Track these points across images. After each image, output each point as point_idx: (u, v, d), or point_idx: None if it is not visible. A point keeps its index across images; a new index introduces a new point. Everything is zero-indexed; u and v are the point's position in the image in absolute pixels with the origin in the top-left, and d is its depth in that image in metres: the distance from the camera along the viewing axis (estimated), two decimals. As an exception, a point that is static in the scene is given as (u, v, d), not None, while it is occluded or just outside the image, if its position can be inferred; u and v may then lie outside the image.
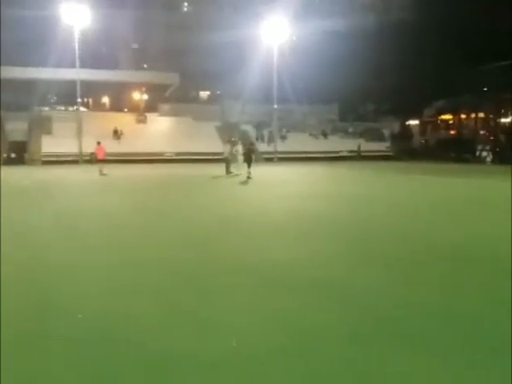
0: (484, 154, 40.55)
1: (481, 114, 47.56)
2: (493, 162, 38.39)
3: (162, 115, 48.24)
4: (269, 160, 41.78)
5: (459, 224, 9.38)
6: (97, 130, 38.45)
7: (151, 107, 49.50)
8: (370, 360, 3.30)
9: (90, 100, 52.64)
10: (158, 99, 49.73)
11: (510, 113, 44.60)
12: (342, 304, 4.47)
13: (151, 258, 6.36)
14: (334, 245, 7.28)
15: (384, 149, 49.05)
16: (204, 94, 58.61)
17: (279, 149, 44.18)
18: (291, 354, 3.40)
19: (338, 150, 46.66)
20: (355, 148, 47.07)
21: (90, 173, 25.51)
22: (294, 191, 16.25)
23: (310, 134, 49.94)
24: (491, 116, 46.64)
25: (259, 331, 3.79)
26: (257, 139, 45.55)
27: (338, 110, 55.75)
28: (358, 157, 45.05)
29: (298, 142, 46.09)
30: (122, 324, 3.94)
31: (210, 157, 37.37)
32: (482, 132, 46.46)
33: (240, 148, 25.11)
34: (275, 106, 45.10)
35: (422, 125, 53.72)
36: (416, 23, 45.08)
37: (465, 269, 5.82)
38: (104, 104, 53.44)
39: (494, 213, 10.97)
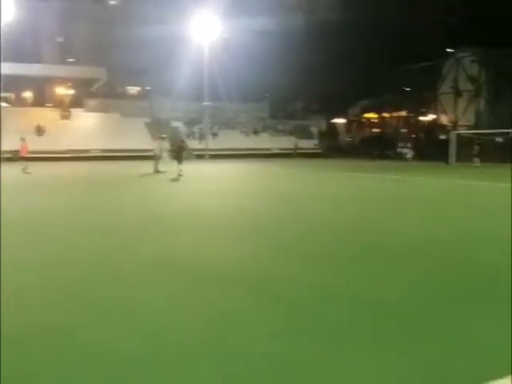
0: (405, 151, 42.63)
1: (402, 113, 49.99)
2: (413, 158, 40.45)
3: (88, 111, 46.77)
4: (200, 157, 41.71)
5: (374, 215, 9.94)
6: (18, 127, 36.68)
7: (77, 103, 47.86)
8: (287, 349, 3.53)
9: (13, 95, 50.13)
10: (84, 94, 48.17)
11: (429, 112, 47.17)
12: (272, 300, 4.69)
13: (74, 257, 6.30)
14: (265, 242, 7.50)
15: (313, 146, 50.33)
16: (133, 89, 57.39)
17: (211, 146, 44.19)
18: (207, 345, 3.55)
19: (268, 147, 47.37)
20: (286, 145, 47.98)
21: (12, 171, 24.40)
22: (226, 189, 16.41)
23: (242, 132, 50.31)
24: (412, 115, 49.16)
25: (181, 322, 3.92)
26: (188, 136, 45.30)
27: (269, 108, 56.54)
28: (295, 154, 46.00)
29: (230, 140, 46.33)
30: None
31: (139, 154, 36.75)
32: (403, 130, 48.85)
33: (169, 145, 24.84)
34: (206, 103, 45.05)
35: (348, 123, 55.67)
36: (342, 24, 46.56)
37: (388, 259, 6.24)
38: (27, 99, 51.05)
39: (400, 205, 11.70)
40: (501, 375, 3.06)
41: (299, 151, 46.94)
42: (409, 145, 43.36)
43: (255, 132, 50.95)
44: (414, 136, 45.77)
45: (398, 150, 43.67)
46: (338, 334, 3.79)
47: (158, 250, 6.76)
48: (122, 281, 5.27)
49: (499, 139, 33.34)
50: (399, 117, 50.64)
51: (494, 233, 8.24)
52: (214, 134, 47.44)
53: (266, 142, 48.69)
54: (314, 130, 54.06)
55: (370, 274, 5.57)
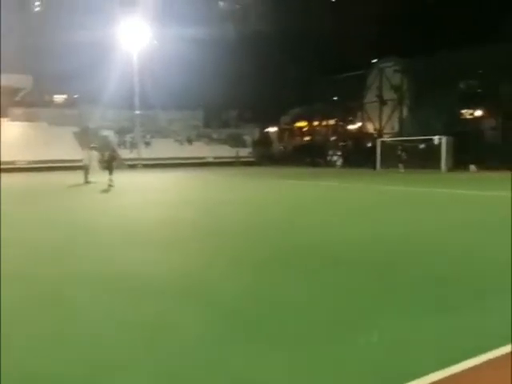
0: (335, 158, 43.98)
1: (331, 122, 51.55)
2: (343, 165, 41.80)
3: (13, 120, 44.88)
4: (132, 167, 41.03)
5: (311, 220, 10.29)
6: None
7: (1, 112, 45.80)
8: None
9: None
10: (9, 103, 46.17)
11: (356, 120, 48.92)
12: (208, 308, 4.79)
13: None
14: (197, 251, 7.58)
15: (247, 154, 50.84)
16: (60, 97, 55.60)
17: (143, 155, 43.60)
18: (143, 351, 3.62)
19: (203, 156, 47.38)
20: (220, 154, 48.19)
21: None
22: (157, 199, 16.30)
23: (175, 140, 50.02)
24: (340, 123, 50.80)
25: (118, 333, 3.95)
26: (119, 145, 44.48)
27: (203, 117, 56.61)
28: (237, 163, 46.28)
29: (163, 149, 45.92)
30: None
31: (68, 164, 35.68)
32: (332, 138, 50.37)
33: (99, 155, 24.36)
34: (137, 112, 44.44)
35: (280, 132, 56.70)
36: (274, 34, 47.53)
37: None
38: None
39: (331, 210, 12.17)
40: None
41: (231, 160, 47.32)
42: (338, 152, 44.73)
43: (189, 141, 50.82)
44: (342, 144, 47.30)
45: (329, 157, 44.95)
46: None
47: (82, 263, 6.68)
48: (50, 298, 5.20)
49: (422, 146, 35.15)
50: (328, 125, 52.20)
51: (408, 232, 8.76)
52: (147, 143, 46.86)
53: (201, 150, 48.70)
54: (248, 138, 54.66)
55: (281, 276, 5.78)
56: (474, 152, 31.79)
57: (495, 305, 4.73)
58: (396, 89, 41.56)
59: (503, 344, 3.68)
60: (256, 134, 55.95)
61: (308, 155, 45.86)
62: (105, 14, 46.86)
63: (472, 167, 31.03)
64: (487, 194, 16.49)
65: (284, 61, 47.18)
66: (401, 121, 42.41)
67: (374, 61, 45.12)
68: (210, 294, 5.22)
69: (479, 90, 38.46)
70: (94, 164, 23.39)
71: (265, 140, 55.38)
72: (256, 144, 53.97)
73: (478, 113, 38.78)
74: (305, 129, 55.10)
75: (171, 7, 51.43)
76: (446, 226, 9.79)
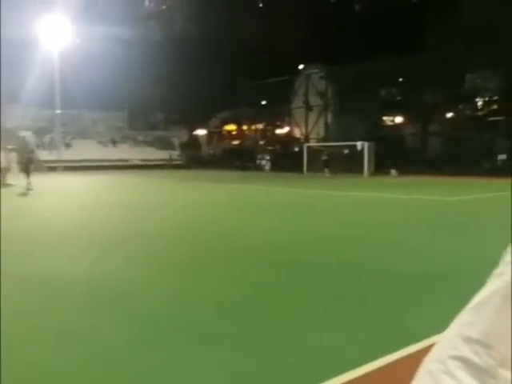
0: (263, 162, 44.38)
1: (260, 126, 52.03)
2: (271, 169, 42.25)
3: None
4: (53, 169, 39.19)
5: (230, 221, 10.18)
6: None
7: None
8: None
9: None
10: None
11: (284, 125, 49.69)
12: (120, 310, 4.50)
13: None
14: (114, 253, 7.23)
15: (175, 157, 50.12)
16: (-27, 95, 52.19)
17: (64, 157, 41.79)
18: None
19: (128, 158, 46.14)
20: (147, 157, 47.15)
21: None
22: (77, 202, 15.58)
23: (99, 142, 48.41)
24: (269, 127, 51.40)
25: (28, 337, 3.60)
26: (38, 147, 42.31)
27: (128, 118, 55.19)
28: (169, 166, 45.33)
29: (85, 150, 44.25)
30: None
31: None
32: (261, 142, 50.84)
33: (18, 156, 23.04)
34: (58, 111, 42.55)
35: (209, 135, 56.47)
36: (203, 36, 47.27)
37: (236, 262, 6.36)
38: None
39: (253, 214, 12.15)
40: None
41: (158, 162, 46.44)
42: (267, 156, 45.18)
43: (113, 142, 49.37)
44: (271, 148, 47.84)
45: (258, 161, 45.29)
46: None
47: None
48: None
49: (346, 151, 36.23)
50: (257, 129, 52.63)
51: (333, 235, 8.89)
52: (67, 145, 44.99)
53: (126, 152, 47.41)
54: (176, 141, 53.93)
55: (202, 276, 5.63)
56: (395, 157, 33.20)
57: (418, 302, 4.81)
58: (321, 95, 42.62)
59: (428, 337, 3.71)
60: (184, 136, 55.35)
61: (237, 159, 45.96)
62: (25, 10, 44.58)
63: (393, 171, 32.34)
64: (405, 197, 17.18)
65: (212, 63, 47.02)
66: (326, 126, 43.53)
67: (301, 67, 46.04)
68: (128, 296, 4.94)
69: (399, 98, 40.31)
70: (13, 166, 22.17)
71: (193, 143, 54.93)
72: (184, 147, 53.38)
73: (399, 119, 40.60)
74: (234, 132, 55.23)
75: (95, 5, 49.87)
76: (368, 226, 10.04)
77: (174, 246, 8.15)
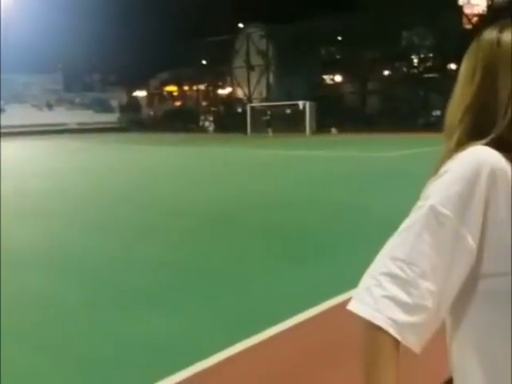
0: (207, 124, 44.02)
1: (201, 86, 51.25)
2: (215, 130, 42.02)
3: None
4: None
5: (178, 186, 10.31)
6: None
7: None
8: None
9: None
10: None
11: (226, 85, 49.21)
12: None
13: None
14: (51, 219, 7.24)
15: (115, 120, 48.81)
16: None
17: (-2, 123, 39.81)
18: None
19: (64, 122, 44.55)
20: (84, 120, 45.69)
21: None
22: (12, 169, 15.14)
23: (33, 106, 46.33)
24: (211, 88, 50.74)
25: None
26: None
27: (63, 80, 52.83)
28: (108, 129, 43.88)
29: (20, 115, 42.30)
30: None
31: None
32: (204, 103, 50.23)
33: None
34: (-13, 75, 40.22)
35: (149, 96, 55.15)
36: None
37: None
38: None
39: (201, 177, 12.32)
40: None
41: (100, 126, 45.15)
42: (210, 118, 44.78)
43: (49, 106, 47.40)
44: (214, 109, 47.41)
45: (201, 122, 44.85)
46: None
47: None
48: None
49: (288, 111, 36.51)
50: (199, 90, 51.85)
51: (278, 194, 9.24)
52: (2, 110, 42.82)
53: (62, 116, 45.68)
54: (114, 103, 52.37)
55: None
56: (336, 115, 33.85)
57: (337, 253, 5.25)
58: (262, 54, 42.36)
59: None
60: (123, 98, 53.79)
61: (180, 121, 45.32)
62: None
63: (333, 130, 33.02)
64: (342, 154, 17.77)
65: (149, 21, 45.54)
66: (268, 86, 43.50)
67: (241, 26, 45.37)
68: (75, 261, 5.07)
69: (339, 57, 40.75)
70: None
71: (133, 105, 53.54)
72: (124, 109, 51.97)
73: (339, 78, 41.14)
74: (175, 93, 54.17)
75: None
76: (307, 184, 10.49)
77: (115, 208, 8.26)
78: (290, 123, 34.19)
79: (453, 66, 34.79)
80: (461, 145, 0.94)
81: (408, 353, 0.84)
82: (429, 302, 0.84)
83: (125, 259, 5.32)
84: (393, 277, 0.85)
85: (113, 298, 4.19)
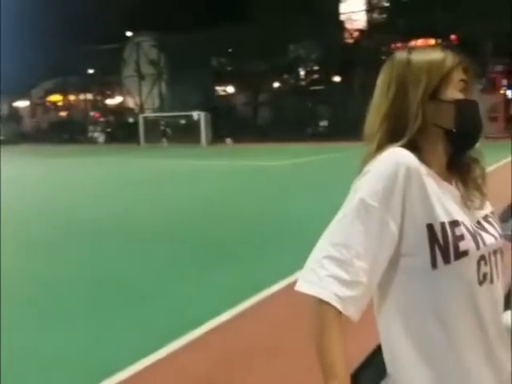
0: (96, 134, 42.40)
1: (89, 96, 49.29)
2: (106, 141, 40.55)
3: None
4: None
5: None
6: None
7: None
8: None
9: None
10: None
11: (116, 95, 47.81)
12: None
13: None
14: None
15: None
16: None
17: None
18: None
19: None
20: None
21: None
22: None
23: None
24: (99, 98, 48.98)
25: None
26: None
27: None
28: None
29: None
30: None
31: None
32: (92, 113, 48.32)
33: None
34: None
35: (32, 106, 51.99)
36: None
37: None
38: None
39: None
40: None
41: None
42: (99, 128, 43.24)
43: None
44: (104, 119, 45.85)
45: (90, 133, 43.14)
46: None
47: None
48: None
49: (183, 121, 36.42)
50: (87, 100, 49.85)
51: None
52: None
53: None
54: (-7, 113, 48.62)
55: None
56: (230, 126, 34.32)
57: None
58: (154, 64, 41.85)
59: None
60: (3, 109, 50.11)
61: (66, 132, 43.22)
62: None
63: (228, 140, 33.49)
64: (238, 163, 18.17)
65: (32, 28, 42.99)
66: (161, 96, 43.03)
67: (130, 34, 44.45)
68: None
69: (230, 68, 41.46)
70: None
71: (14, 116, 50.09)
72: (4, 120, 48.40)
73: (231, 89, 41.83)
74: (60, 103, 51.51)
75: None
76: (204, 195, 10.62)
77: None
78: (185, 134, 34.12)
79: (337, 79, 37.00)
80: (380, 147, 1.13)
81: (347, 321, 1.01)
82: (363, 278, 1.01)
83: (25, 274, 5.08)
84: (333, 259, 1.01)
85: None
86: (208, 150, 28.65)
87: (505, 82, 28.56)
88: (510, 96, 28.58)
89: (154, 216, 8.38)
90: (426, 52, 1.20)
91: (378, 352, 1.16)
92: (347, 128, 29.64)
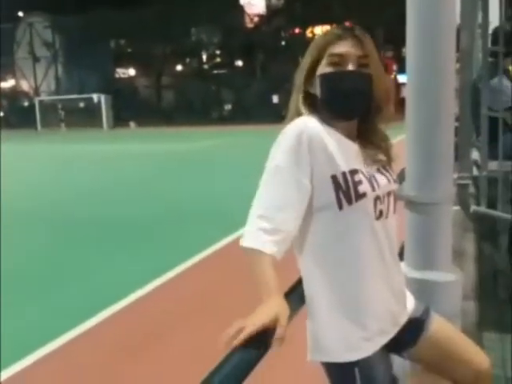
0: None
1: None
2: (-2, 127, 37.99)
3: None
4: None
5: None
6: None
7: None
8: None
9: None
10: None
11: (8, 78, 44.75)
12: None
13: None
14: None
15: None
16: None
17: None
18: None
19: None
20: None
21: None
22: None
23: None
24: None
25: None
26: None
27: None
28: None
29: None
30: None
31: None
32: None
33: None
34: None
35: None
36: None
37: None
38: None
39: None
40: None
41: None
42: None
43: None
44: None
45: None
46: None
47: None
48: None
49: (82, 104, 35.10)
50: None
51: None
52: None
53: None
54: None
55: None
56: (132, 109, 33.62)
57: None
58: (48, 46, 39.75)
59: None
60: None
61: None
62: None
63: (132, 124, 32.91)
64: (143, 147, 18.14)
65: None
66: (57, 79, 41.04)
67: (21, 14, 41.71)
68: None
69: (130, 50, 40.39)
70: None
71: None
72: None
73: (132, 72, 40.85)
74: None
75: None
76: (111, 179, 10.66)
77: None
78: (86, 117, 33.01)
79: (239, 63, 37.46)
80: (291, 118, 1.35)
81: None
82: (284, 227, 1.21)
83: None
84: (259, 216, 1.22)
85: None
86: (111, 134, 28.03)
87: (395, 67, 30.48)
88: (400, 80, 30.68)
89: (58, 202, 8.32)
90: (323, 33, 1.37)
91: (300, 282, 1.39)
92: (251, 111, 30.51)
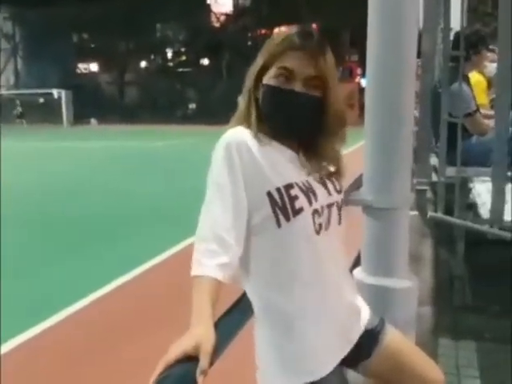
0: None
1: None
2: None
3: None
4: None
5: None
6: None
7: None
8: None
9: None
10: None
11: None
12: None
13: None
14: None
15: None
16: None
17: None
18: None
19: None
20: None
21: None
22: None
23: None
24: None
25: None
26: None
27: None
28: None
29: None
30: None
31: None
32: None
33: None
34: None
35: None
36: None
37: None
38: None
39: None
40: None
41: None
42: None
43: None
44: None
45: None
46: None
47: None
48: None
49: (42, 100, 34.18)
50: None
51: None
52: None
53: None
54: None
55: None
56: (94, 106, 32.91)
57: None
58: (8, 38, 38.60)
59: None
60: None
61: None
62: None
63: (93, 121, 32.27)
64: (106, 144, 17.82)
65: None
66: (16, 72, 39.87)
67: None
68: None
69: (93, 45, 39.61)
70: None
71: None
72: None
73: (94, 67, 40.06)
74: None
75: None
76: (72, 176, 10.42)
77: None
78: (45, 114, 32.15)
79: (205, 62, 37.29)
80: (235, 125, 1.27)
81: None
82: (229, 248, 1.13)
83: None
84: (205, 239, 1.14)
85: None
86: (71, 131, 27.41)
87: (359, 71, 30.92)
88: (363, 85, 31.12)
89: (12, 201, 8.03)
90: (277, 36, 1.27)
91: (242, 299, 1.32)
92: (215, 111, 30.27)
